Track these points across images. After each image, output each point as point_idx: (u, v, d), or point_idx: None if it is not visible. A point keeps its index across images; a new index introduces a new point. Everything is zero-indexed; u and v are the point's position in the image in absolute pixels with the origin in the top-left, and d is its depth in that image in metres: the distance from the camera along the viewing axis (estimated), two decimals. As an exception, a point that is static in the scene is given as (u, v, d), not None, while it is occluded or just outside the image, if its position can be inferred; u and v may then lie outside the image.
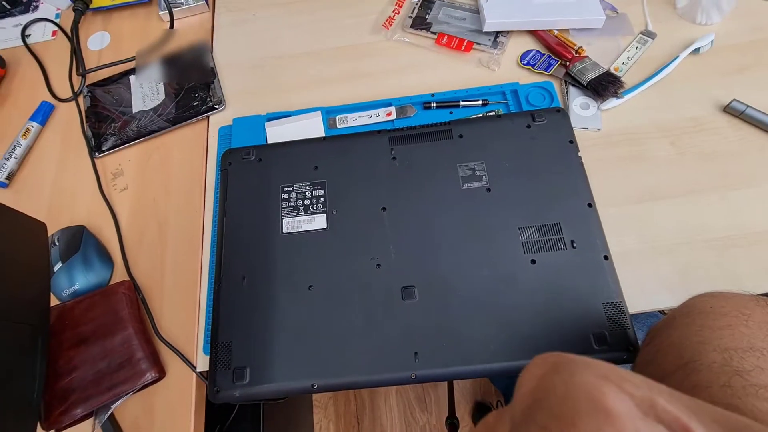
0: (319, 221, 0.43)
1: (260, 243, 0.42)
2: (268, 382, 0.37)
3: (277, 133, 0.50)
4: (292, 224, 0.43)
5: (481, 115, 0.48)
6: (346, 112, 0.51)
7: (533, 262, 0.39)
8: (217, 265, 0.42)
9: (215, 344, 0.39)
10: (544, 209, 0.41)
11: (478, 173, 0.43)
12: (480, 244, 0.40)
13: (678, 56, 0.49)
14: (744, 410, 0.20)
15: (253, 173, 0.46)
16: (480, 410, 0.98)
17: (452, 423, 0.80)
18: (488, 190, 0.42)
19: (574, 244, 0.40)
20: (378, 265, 0.40)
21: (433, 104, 0.50)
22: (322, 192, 0.44)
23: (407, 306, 0.39)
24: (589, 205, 0.41)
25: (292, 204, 0.44)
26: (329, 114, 0.51)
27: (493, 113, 0.49)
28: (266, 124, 0.50)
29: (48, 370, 0.37)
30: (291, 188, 0.44)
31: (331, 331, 0.39)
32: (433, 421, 1.02)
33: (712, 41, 0.50)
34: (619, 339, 0.36)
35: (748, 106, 0.46)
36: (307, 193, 0.44)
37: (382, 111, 0.50)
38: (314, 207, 0.43)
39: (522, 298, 0.38)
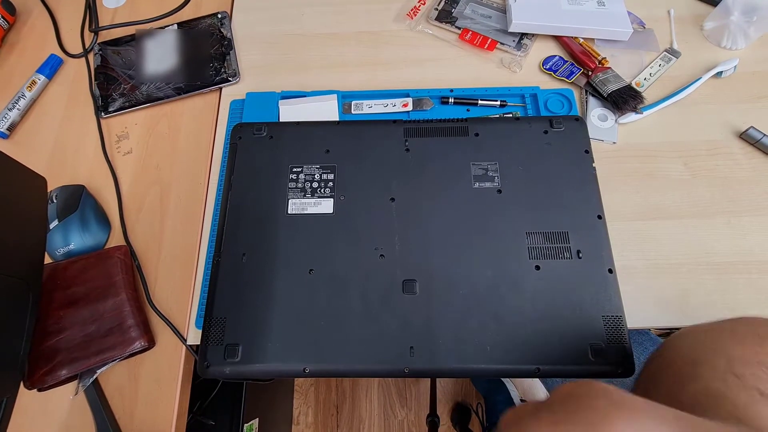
0: (326, 205, 0.42)
1: (264, 221, 0.42)
2: (260, 362, 0.37)
3: (290, 112, 0.49)
4: (297, 205, 0.42)
5: (498, 116, 0.48)
6: (362, 99, 0.50)
7: (537, 268, 0.39)
8: (217, 239, 0.42)
9: (209, 319, 0.38)
10: (554, 216, 0.41)
11: (491, 174, 0.43)
12: (486, 245, 0.40)
13: (700, 78, 0.49)
14: (750, 416, 0.20)
15: (262, 150, 0.45)
16: (459, 411, 0.99)
17: (432, 421, 0.81)
18: (499, 191, 0.42)
19: (580, 255, 0.39)
20: (381, 255, 0.40)
21: (451, 100, 0.49)
22: (331, 176, 0.43)
23: (407, 300, 0.38)
24: (599, 217, 0.41)
25: (299, 185, 0.43)
26: (345, 99, 0.50)
27: (511, 115, 0.49)
28: (280, 102, 0.49)
29: (36, 327, 0.36)
30: (300, 169, 0.44)
31: (328, 317, 0.38)
32: (411, 416, 1.03)
33: (735, 66, 0.50)
34: (616, 353, 0.36)
35: (764, 134, 0.46)
36: (315, 176, 0.43)
37: (398, 101, 0.50)
38: (322, 191, 0.43)
39: (523, 302, 0.38)
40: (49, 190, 0.45)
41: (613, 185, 0.45)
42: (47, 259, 0.43)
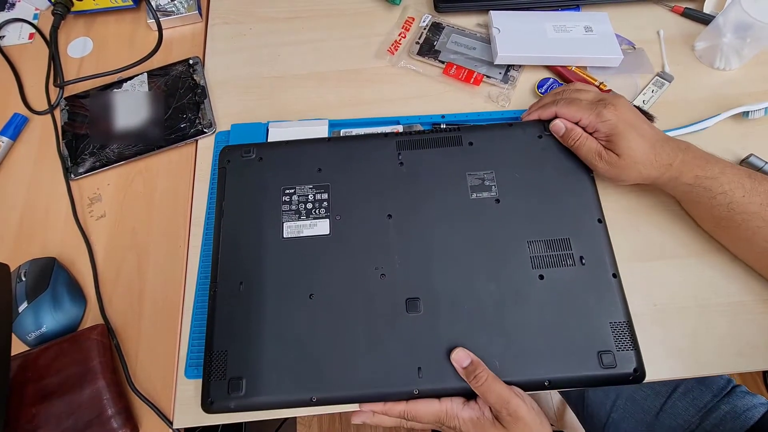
0: (322, 227, 0.40)
1: (259, 247, 0.40)
2: (265, 394, 0.35)
3: (280, 134, 0.47)
4: (293, 229, 0.40)
5: (491, 123, 0.46)
6: (351, 127, 0.48)
7: (541, 277, 0.38)
8: (213, 269, 0.40)
9: (210, 353, 0.37)
10: (554, 223, 0.40)
11: (488, 183, 0.41)
12: (488, 257, 0.39)
13: (720, 114, 0.46)
14: None
15: (253, 173, 0.43)
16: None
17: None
18: (497, 201, 0.40)
19: (583, 261, 0.38)
20: (382, 275, 0.38)
21: (443, 126, 0.47)
22: (325, 196, 0.41)
23: (411, 319, 0.37)
24: (599, 220, 0.40)
25: (293, 207, 0.41)
26: (334, 127, 0.48)
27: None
28: (270, 125, 0.47)
29: (6, 430, 0.34)
30: (293, 191, 0.42)
31: (332, 343, 0.36)
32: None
33: (766, 109, 0.46)
34: (626, 359, 0.36)
35: (766, 162, 0.44)
36: (309, 197, 0.41)
37: (389, 129, 0.47)
38: (317, 211, 0.41)
39: (529, 314, 0.37)
40: (18, 265, 0.43)
41: (613, 223, 0.43)
42: (17, 343, 0.40)
